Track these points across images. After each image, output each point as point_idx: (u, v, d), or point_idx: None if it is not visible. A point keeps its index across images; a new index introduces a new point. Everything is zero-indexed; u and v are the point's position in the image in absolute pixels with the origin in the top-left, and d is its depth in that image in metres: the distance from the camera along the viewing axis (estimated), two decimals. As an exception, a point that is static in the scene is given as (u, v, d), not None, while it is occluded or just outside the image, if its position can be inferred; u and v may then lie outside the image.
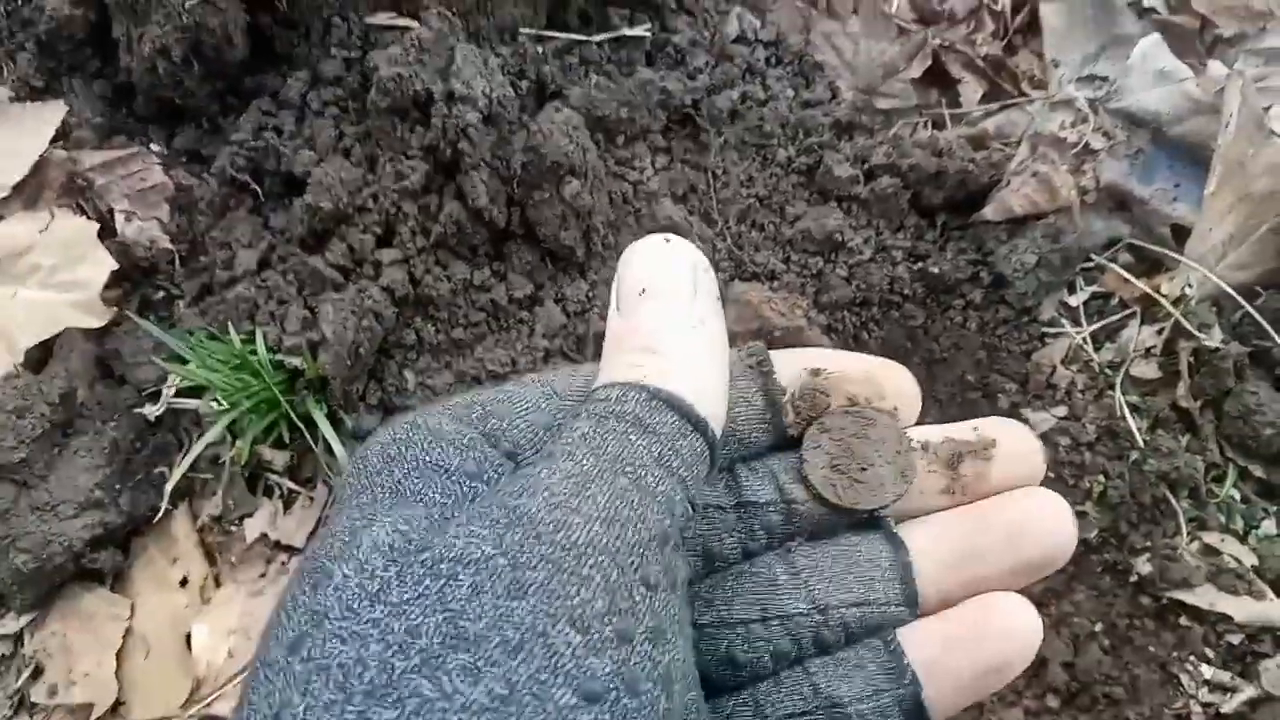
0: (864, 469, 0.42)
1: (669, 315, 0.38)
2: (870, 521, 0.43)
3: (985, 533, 0.40)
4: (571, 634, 0.28)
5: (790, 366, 0.44)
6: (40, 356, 1.13)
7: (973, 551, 0.40)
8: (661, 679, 0.30)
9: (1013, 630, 0.38)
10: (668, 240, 0.40)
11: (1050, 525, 0.41)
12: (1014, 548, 0.40)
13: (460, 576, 0.29)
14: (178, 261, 1.17)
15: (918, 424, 0.45)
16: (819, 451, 0.42)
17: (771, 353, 0.45)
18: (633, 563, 0.31)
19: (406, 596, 0.29)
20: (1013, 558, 0.40)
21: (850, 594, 0.40)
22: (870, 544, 0.42)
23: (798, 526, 0.42)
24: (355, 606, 0.29)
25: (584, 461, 0.33)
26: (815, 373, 0.44)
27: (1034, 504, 0.41)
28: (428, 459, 0.35)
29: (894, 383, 0.44)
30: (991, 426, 0.44)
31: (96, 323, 1.12)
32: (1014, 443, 0.43)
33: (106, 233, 1.16)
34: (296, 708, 0.27)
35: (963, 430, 0.43)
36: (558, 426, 0.37)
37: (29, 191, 1.19)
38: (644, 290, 0.39)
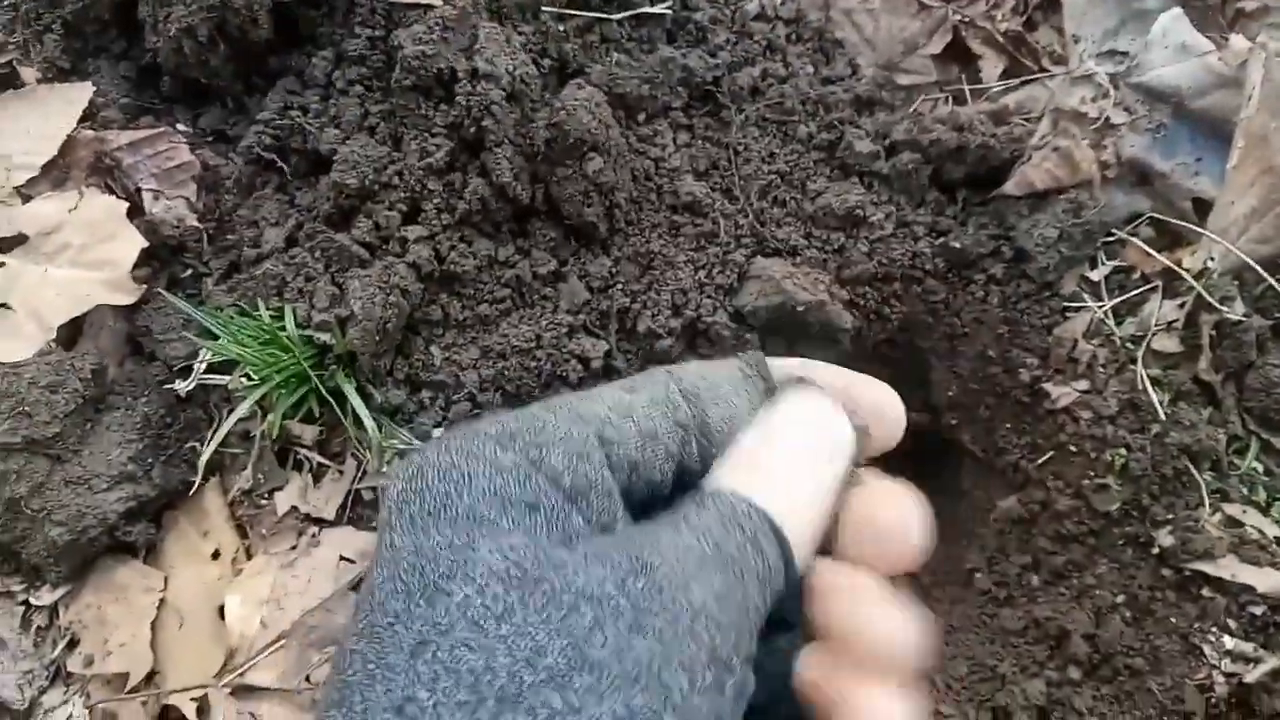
0: None
1: (814, 464, 0.41)
2: None
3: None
4: (681, 677, 0.31)
5: (781, 373, 0.46)
6: (71, 334, 1.15)
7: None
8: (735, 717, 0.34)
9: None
10: (846, 408, 0.43)
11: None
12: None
13: (582, 609, 0.31)
14: (205, 239, 1.18)
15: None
16: None
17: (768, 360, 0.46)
18: (733, 637, 0.34)
19: (531, 620, 0.31)
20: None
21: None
22: None
23: None
24: (481, 623, 0.31)
25: (707, 547, 0.35)
26: (799, 381, 0.45)
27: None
28: (492, 488, 0.36)
29: (869, 400, 0.45)
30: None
31: (127, 300, 1.13)
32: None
33: (134, 211, 1.17)
34: (425, 703, 0.29)
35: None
36: (687, 504, 0.38)
37: (57, 171, 1.20)
38: (800, 425, 0.41)
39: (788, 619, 0.43)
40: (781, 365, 0.46)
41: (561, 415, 0.40)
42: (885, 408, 0.45)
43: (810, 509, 0.40)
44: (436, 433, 1.10)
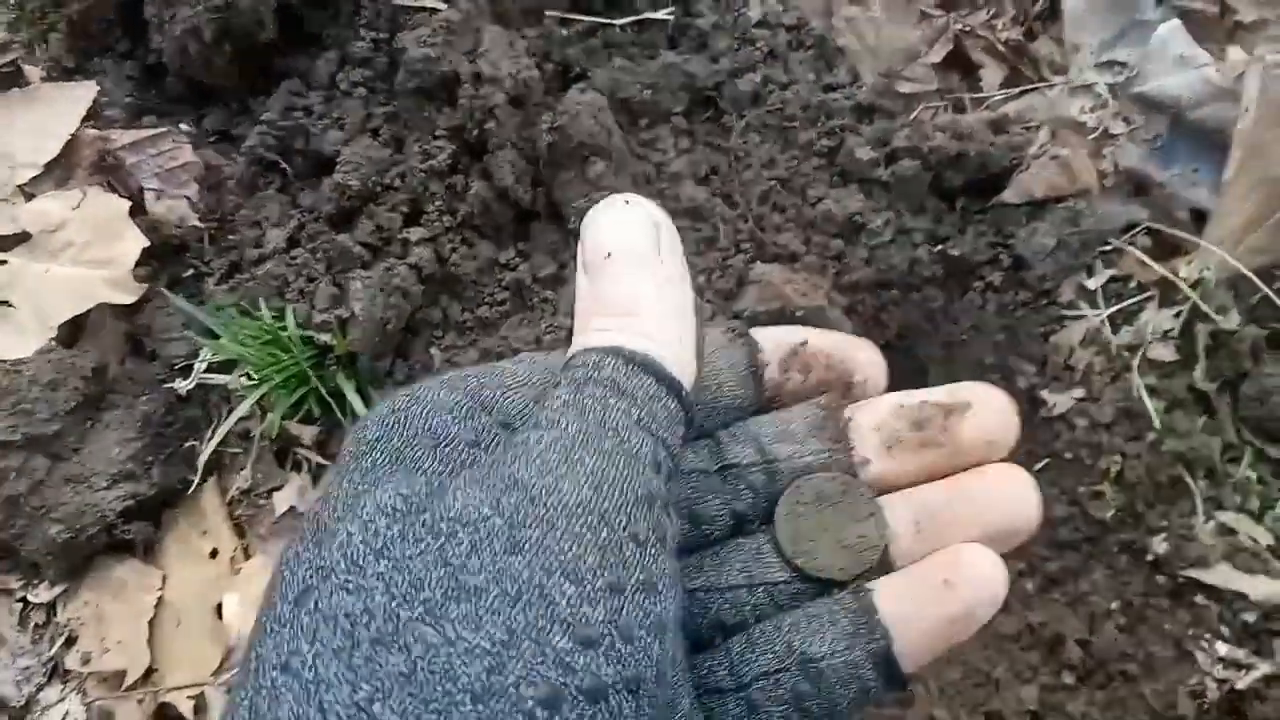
0: (834, 537, 0.42)
1: (636, 277, 0.39)
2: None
3: (956, 503, 0.42)
4: (567, 585, 0.30)
5: (772, 337, 0.46)
6: (72, 332, 1.16)
7: (943, 522, 0.41)
8: (653, 627, 0.32)
9: (979, 578, 0.39)
10: (628, 201, 0.41)
11: (1017, 498, 0.42)
12: (982, 519, 0.41)
13: (459, 535, 0.31)
14: (207, 239, 1.19)
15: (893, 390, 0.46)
16: (789, 520, 0.43)
17: (753, 330, 0.46)
18: (621, 521, 0.32)
19: (409, 552, 0.31)
20: (979, 529, 0.41)
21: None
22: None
23: (780, 485, 0.43)
24: (360, 561, 0.31)
25: (569, 428, 0.34)
26: (794, 347, 0.45)
27: (1002, 478, 0.42)
28: (426, 427, 0.36)
29: (864, 354, 0.45)
30: (966, 390, 0.44)
31: (128, 299, 1.14)
32: (988, 403, 0.43)
33: (136, 211, 1.18)
34: (305, 655, 0.29)
35: (937, 393, 0.44)
36: (542, 395, 0.38)
37: (61, 170, 1.21)
38: (609, 254, 0.39)
39: (722, 423, 0.44)
40: (774, 331, 0.46)
41: (526, 365, 0.40)
42: (874, 359, 0.46)
43: (663, 317, 0.39)
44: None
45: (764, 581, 0.41)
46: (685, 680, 0.37)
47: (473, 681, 0.28)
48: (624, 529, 0.32)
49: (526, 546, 0.31)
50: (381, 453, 0.36)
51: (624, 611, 0.31)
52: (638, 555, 0.32)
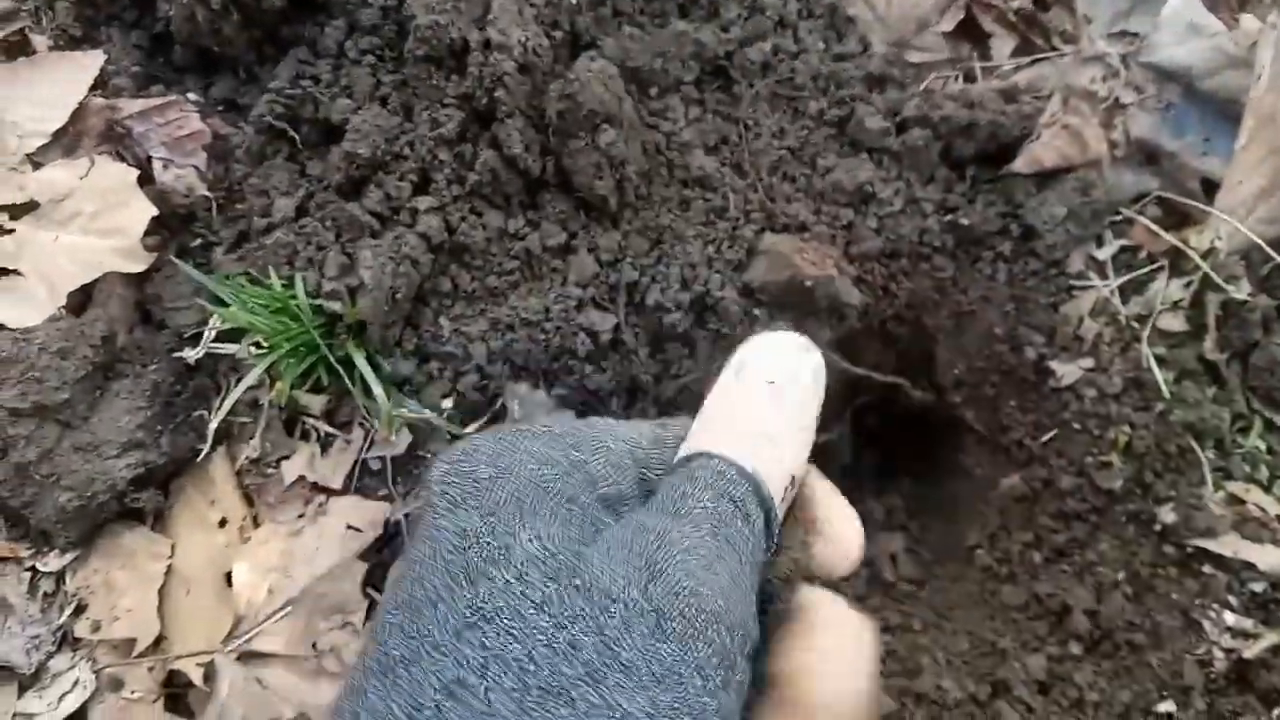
0: None
1: (788, 413, 0.43)
2: None
3: None
4: (696, 679, 0.34)
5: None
6: (81, 301, 1.15)
7: None
8: (736, 711, 0.36)
9: None
10: (809, 349, 0.45)
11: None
12: None
13: (612, 610, 0.34)
14: (215, 208, 1.18)
15: None
16: None
17: None
18: (739, 635, 0.36)
19: (567, 613, 0.34)
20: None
21: None
22: None
23: None
24: (522, 611, 0.34)
25: (708, 540, 0.38)
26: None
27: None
28: (534, 477, 0.39)
29: (837, 517, 0.45)
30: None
31: (137, 267, 1.14)
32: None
33: (145, 180, 1.17)
34: (476, 687, 0.32)
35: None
36: (678, 478, 0.40)
37: (68, 139, 1.20)
38: (773, 381, 0.43)
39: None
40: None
41: (602, 431, 0.43)
42: (850, 531, 0.45)
43: (792, 458, 0.42)
44: (445, 404, 1.10)
45: None
46: None
47: None
48: (736, 642, 0.36)
49: (671, 638, 0.34)
50: (501, 495, 0.38)
51: (724, 704, 0.35)
52: (742, 664, 0.37)
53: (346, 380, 1.10)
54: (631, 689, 0.32)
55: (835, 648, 0.41)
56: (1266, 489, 1.08)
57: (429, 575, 0.36)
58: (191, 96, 1.22)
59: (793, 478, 0.42)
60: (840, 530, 0.45)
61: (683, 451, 0.42)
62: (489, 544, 0.36)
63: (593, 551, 0.36)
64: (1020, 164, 1.14)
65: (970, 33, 1.25)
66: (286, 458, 1.14)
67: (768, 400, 0.43)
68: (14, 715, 1.08)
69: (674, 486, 0.40)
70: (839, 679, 0.40)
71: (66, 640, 1.13)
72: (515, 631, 0.33)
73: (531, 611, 0.34)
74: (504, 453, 0.40)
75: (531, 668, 0.32)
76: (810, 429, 0.43)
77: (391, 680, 0.33)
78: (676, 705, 0.33)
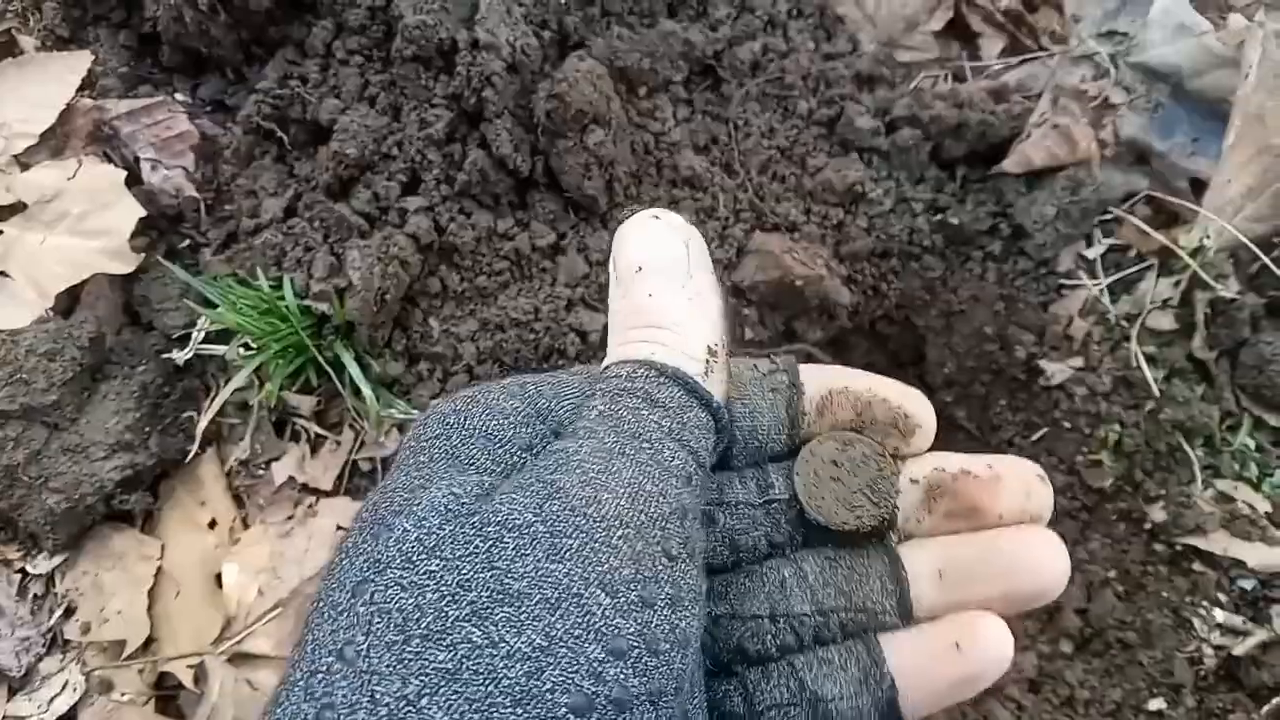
0: (847, 490, 0.44)
1: (667, 291, 0.41)
2: (878, 536, 0.45)
3: (982, 561, 0.42)
4: (602, 596, 0.31)
5: (817, 379, 0.46)
6: (69, 302, 1.15)
7: (968, 576, 0.42)
8: (678, 641, 0.33)
9: (989, 649, 0.40)
10: (657, 216, 0.43)
11: (1045, 562, 0.42)
12: (1007, 578, 0.42)
13: (505, 539, 0.32)
14: (203, 209, 1.18)
15: (935, 449, 0.46)
16: (807, 471, 0.44)
17: (802, 368, 0.46)
18: (655, 535, 0.34)
19: (459, 553, 0.32)
20: (1004, 587, 0.41)
21: (849, 601, 0.43)
22: (873, 557, 0.44)
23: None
24: (414, 558, 0.32)
25: (606, 438, 0.36)
26: (831, 392, 0.46)
27: (1033, 540, 0.42)
28: (484, 429, 0.38)
29: (909, 406, 0.45)
30: (1003, 463, 0.45)
31: (125, 269, 1.13)
32: (1021, 480, 0.44)
33: (132, 181, 1.17)
34: (361, 645, 0.30)
35: (976, 464, 0.45)
36: (580, 404, 0.40)
37: (56, 140, 1.20)
38: (640, 268, 0.41)
39: (747, 450, 0.44)
40: (819, 371, 0.46)
41: (581, 377, 0.42)
42: (921, 414, 0.45)
43: (695, 330, 0.40)
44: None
45: (785, 613, 0.43)
46: (701, 700, 0.38)
47: (513, 684, 0.30)
48: (657, 543, 0.34)
49: (567, 555, 0.32)
50: (439, 449, 0.37)
51: (652, 625, 0.32)
52: (668, 570, 0.34)
53: (336, 381, 1.09)
54: (521, 620, 0.31)
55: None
56: (1256, 486, 1.08)
57: (346, 536, 0.35)
58: (179, 97, 1.22)
59: (709, 346, 0.40)
60: (912, 408, 0.45)
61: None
62: (402, 496, 0.35)
63: (502, 487, 0.35)
64: (1010, 163, 1.14)
65: (959, 32, 1.25)
66: (276, 459, 1.13)
67: (641, 287, 0.41)
68: (4, 717, 1.08)
69: (577, 410, 0.39)
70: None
71: (56, 642, 1.12)
72: (404, 581, 0.32)
73: (422, 557, 0.32)
74: (459, 409, 0.39)
75: (416, 615, 0.31)
76: (703, 292, 0.41)
77: (300, 649, 0.32)
78: (579, 631, 0.31)
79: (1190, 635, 1.06)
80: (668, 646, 0.32)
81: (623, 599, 0.32)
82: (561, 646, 0.30)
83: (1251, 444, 1.09)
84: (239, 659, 1.07)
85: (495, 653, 0.30)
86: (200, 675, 1.07)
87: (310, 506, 1.12)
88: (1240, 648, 1.04)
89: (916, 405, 0.45)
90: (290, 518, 1.12)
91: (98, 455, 1.10)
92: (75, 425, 1.11)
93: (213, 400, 1.13)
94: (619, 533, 0.33)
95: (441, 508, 0.34)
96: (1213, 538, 1.06)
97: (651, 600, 0.32)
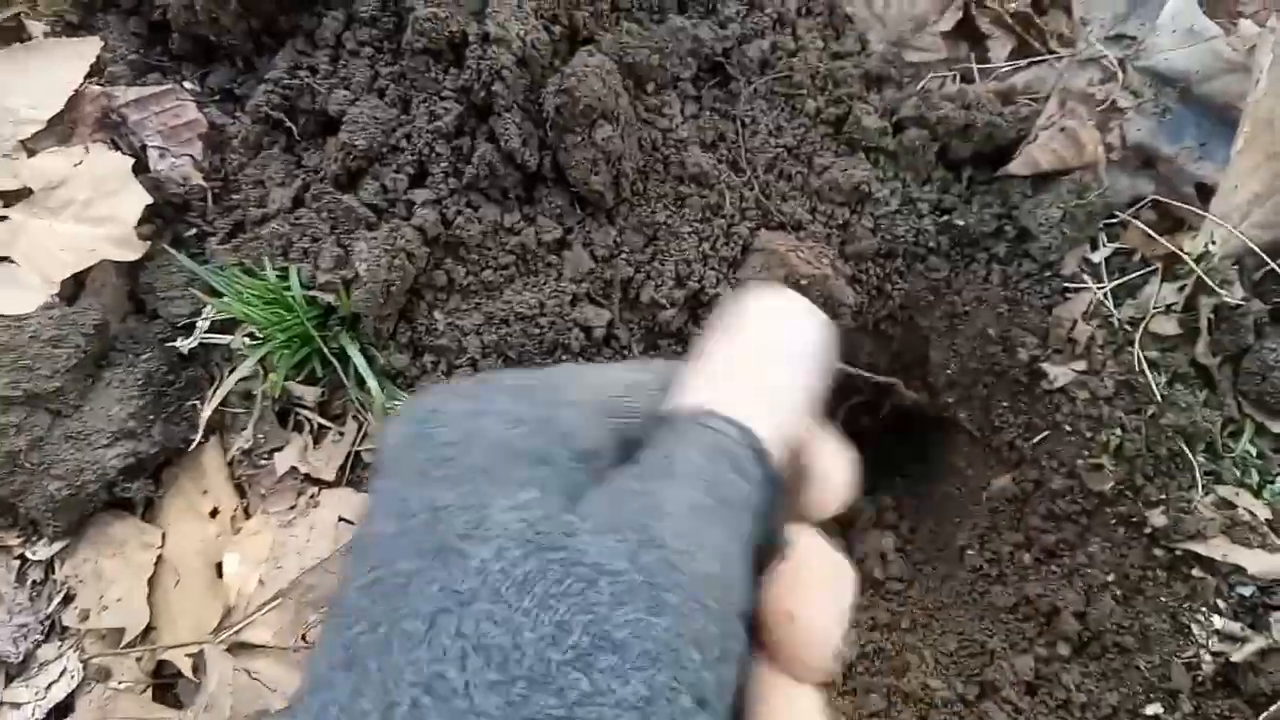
0: None
1: (797, 373, 0.39)
2: None
3: None
4: (694, 653, 0.31)
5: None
6: (74, 289, 1.15)
7: None
8: (733, 687, 0.34)
9: None
10: (811, 309, 0.41)
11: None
12: None
13: (600, 585, 0.31)
14: (210, 198, 1.18)
15: None
16: None
17: None
18: (735, 599, 0.34)
19: (553, 593, 0.31)
20: None
21: None
22: None
23: None
24: (503, 593, 0.31)
25: (702, 495, 0.35)
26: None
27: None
28: (503, 439, 0.36)
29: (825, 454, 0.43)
30: None
31: (131, 256, 1.13)
32: None
33: (139, 168, 1.17)
34: (455, 681, 0.29)
35: None
36: (665, 432, 0.37)
37: (63, 126, 1.20)
38: (779, 338, 0.40)
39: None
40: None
41: (569, 379, 0.40)
42: (837, 469, 0.43)
43: (792, 414, 0.39)
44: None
45: None
46: None
47: None
48: (734, 605, 0.34)
49: (666, 610, 0.32)
50: (469, 462, 0.35)
51: (725, 676, 0.33)
52: (740, 629, 0.34)
53: (340, 372, 1.09)
54: (626, 671, 0.30)
55: (815, 585, 0.39)
56: (1256, 493, 1.08)
57: (397, 555, 0.33)
58: (188, 85, 1.22)
59: (790, 439, 0.39)
60: (828, 466, 0.42)
61: (671, 404, 0.39)
62: (462, 517, 0.33)
63: (575, 520, 0.33)
64: (1016, 166, 1.15)
65: (968, 34, 1.25)
66: (279, 449, 1.13)
67: (771, 355, 0.39)
68: (1, 704, 1.08)
69: (661, 444, 0.37)
70: (815, 618, 0.38)
71: (55, 629, 1.12)
72: (496, 616, 0.30)
73: (512, 592, 0.31)
74: (469, 413, 0.37)
75: (516, 655, 0.30)
76: (812, 392, 0.40)
77: (361, 673, 0.30)
78: (675, 685, 0.31)
79: (1188, 641, 1.07)
80: (728, 689, 0.33)
81: (709, 655, 0.32)
82: (661, 698, 0.30)
83: (1253, 450, 1.09)
84: (238, 648, 1.07)
85: (604, 701, 0.29)
86: (199, 664, 1.07)
87: (312, 497, 1.12)
88: (1238, 654, 1.04)
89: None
90: (292, 508, 1.12)
91: (100, 443, 1.10)
92: (78, 412, 1.11)
93: (217, 389, 1.13)
94: (712, 594, 0.33)
95: (520, 537, 0.32)
96: (1213, 543, 1.06)
97: (729, 657, 0.33)
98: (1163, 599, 1.08)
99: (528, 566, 0.31)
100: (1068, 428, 1.14)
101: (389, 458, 0.36)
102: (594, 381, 0.40)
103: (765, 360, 0.39)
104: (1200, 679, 1.06)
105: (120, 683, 1.09)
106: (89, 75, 1.20)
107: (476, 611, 0.30)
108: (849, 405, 1.32)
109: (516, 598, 0.31)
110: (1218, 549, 1.06)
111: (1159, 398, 1.10)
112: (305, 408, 1.13)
